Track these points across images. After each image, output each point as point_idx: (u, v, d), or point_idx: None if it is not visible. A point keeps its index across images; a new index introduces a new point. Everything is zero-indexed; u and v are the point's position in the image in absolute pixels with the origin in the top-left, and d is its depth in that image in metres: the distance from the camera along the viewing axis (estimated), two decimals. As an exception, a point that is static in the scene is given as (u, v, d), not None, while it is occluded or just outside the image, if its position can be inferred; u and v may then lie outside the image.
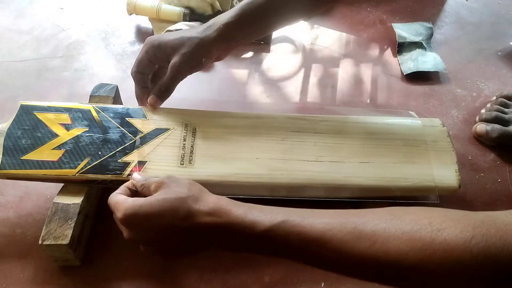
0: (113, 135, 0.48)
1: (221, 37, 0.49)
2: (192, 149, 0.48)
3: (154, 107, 0.51)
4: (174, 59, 0.48)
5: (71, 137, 0.47)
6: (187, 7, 0.74)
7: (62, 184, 0.46)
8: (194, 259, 0.47)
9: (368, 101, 0.68)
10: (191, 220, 0.36)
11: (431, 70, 0.71)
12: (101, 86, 0.55)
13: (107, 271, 0.45)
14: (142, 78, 0.51)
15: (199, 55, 0.49)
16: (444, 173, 0.49)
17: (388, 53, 0.77)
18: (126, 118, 0.49)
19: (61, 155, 0.46)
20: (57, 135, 0.47)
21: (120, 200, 0.39)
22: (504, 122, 0.61)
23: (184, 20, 0.73)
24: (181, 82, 0.50)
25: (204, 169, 0.47)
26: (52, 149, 0.46)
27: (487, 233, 0.29)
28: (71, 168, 0.45)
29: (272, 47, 0.76)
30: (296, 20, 0.53)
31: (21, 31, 0.74)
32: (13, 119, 0.48)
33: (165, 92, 0.50)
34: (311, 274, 0.47)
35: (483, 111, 0.65)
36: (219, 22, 0.49)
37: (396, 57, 0.76)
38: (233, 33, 0.50)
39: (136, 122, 0.49)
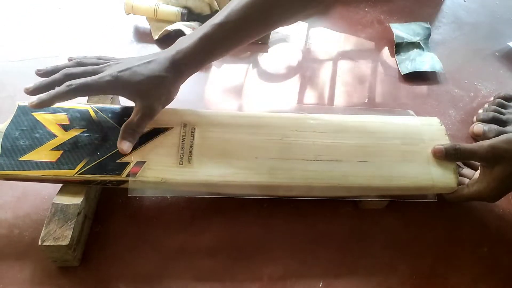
0: (112, 135, 0.48)
1: (190, 71, 0.48)
2: (191, 149, 0.48)
3: (126, 153, 0.46)
4: (147, 102, 0.46)
5: (69, 138, 0.47)
6: (185, 7, 0.74)
7: (60, 184, 0.46)
8: (192, 259, 0.46)
9: (366, 101, 0.68)
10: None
11: (429, 70, 0.72)
12: (99, 86, 0.55)
13: (105, 271, 0.45)
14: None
15: (172, 93, 0.48)
16: (442, 172, 0.49)
17: (386, 53, 0.78)
18: (125, 118, 0.49)
19: (59, 156, 0.46)
20: (55, 136, 0.47)
21: None
22: (501, 123, 0.62)
23: (182, 20, 0.73)
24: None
25: (203, 169, 0.47)
26: (51, 149, 0.46)
27: None
28: (69, 168, 0.45)
29: (270, 47, 0.76)
30: (294, 19, 0.52)
31: (18, 31, 0.74)
32: (11, 120, 0.48)
33: (137, 133, 0.47)
34: (310, 274, 0.47)
35: (480, 111, 0.65)
36: (185, 56, 0.46)
37: (394, 57, 0.76)
38: (202, 64, 0.48)
39: (135, 122, 0.49)
